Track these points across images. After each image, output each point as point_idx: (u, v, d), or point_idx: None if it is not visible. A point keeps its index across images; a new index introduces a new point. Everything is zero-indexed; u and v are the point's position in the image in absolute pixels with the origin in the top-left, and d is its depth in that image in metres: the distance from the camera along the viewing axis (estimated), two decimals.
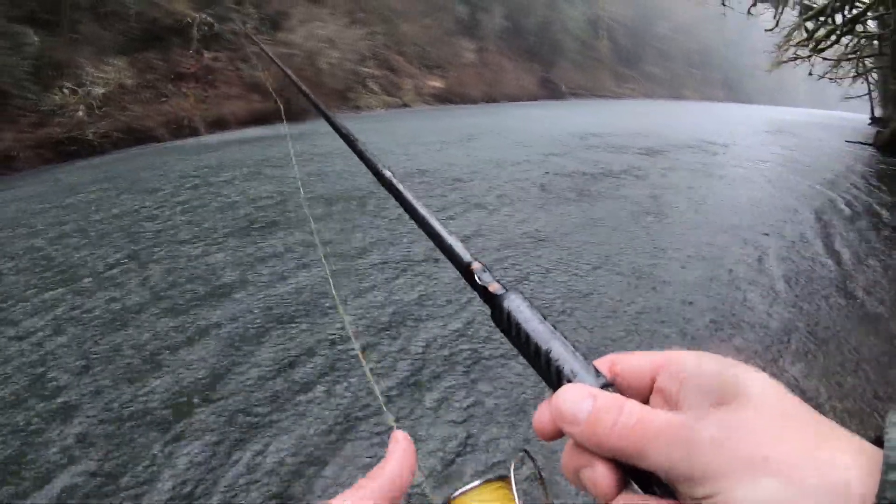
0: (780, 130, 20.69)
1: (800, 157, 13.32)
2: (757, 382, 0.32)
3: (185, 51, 20.10)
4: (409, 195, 0.58)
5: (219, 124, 18.25)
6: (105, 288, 5.23)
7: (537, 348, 0.39)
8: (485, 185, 9.25)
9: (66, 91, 15.70)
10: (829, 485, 0.27)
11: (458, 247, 0.49)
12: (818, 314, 4.76)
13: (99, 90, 16.53)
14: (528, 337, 0.40)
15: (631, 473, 0.34)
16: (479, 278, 0.46)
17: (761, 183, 9.90)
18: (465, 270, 0.47)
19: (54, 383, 3.69)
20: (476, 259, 0.48)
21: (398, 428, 0.39)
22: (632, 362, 0.39)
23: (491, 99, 30.68)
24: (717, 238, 6.70)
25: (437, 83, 28.42)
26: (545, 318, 0.41)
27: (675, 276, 5.56)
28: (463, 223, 7.12)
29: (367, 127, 17.41)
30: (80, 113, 15.34)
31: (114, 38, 18.64)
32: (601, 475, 0.34)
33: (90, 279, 5.44)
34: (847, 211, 8.07)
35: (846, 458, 0.28)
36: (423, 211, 0.54)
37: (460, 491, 0.42)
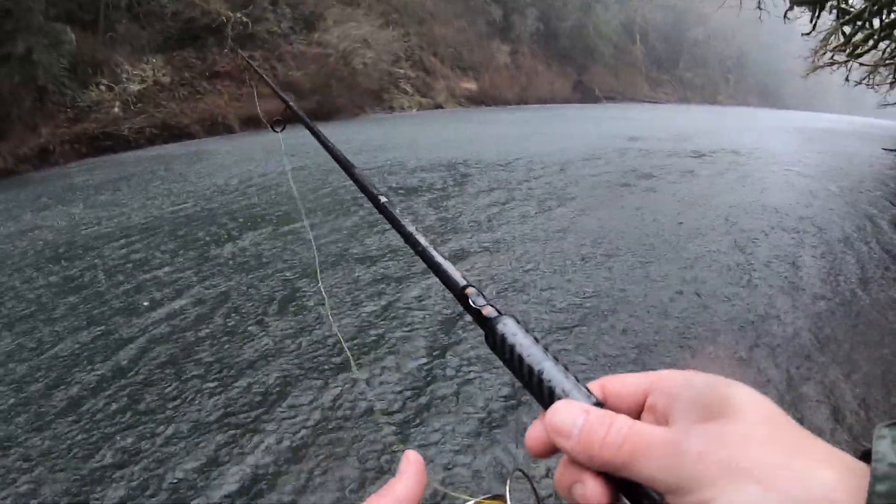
0: (815, 137, 20.13)
1: (835, 165, 12.80)
2: (744, 397, 0.33)
3: (220, 49, 20.14)
4: (404, 220, 0.58)
5: (252, 122, 18.19)
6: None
7: (530, 370, 0.40)
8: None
9: (102, 88, 15.76)
10: (812, 496, 0.28)
11: (453, 271, 0.50)
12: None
13: (135, 87, 16.59)
14: (521, 359, 0.41)
15: (622, 489, 0.35)
16: (473, 302, 0.46)
17: (798, 189, 9.42)
18: (460, 294, 0.48)
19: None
20: (470, 283, 0.48)
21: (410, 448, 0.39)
22: (623, 383, 0.40)
23: (523, 101, 30.32)
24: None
25: (470, 85, 28.14)
26: (538, 341, 0.42)
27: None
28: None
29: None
30: (116, 109, 15.40)
31: (151, 36, 18.77)
32: (592, 490, 0.35)
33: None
34: (875, 218, 7.63)
35: (830, 470, 0.29)
36: (418, 236, 0.55)
37: None
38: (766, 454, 0.30)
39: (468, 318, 0.46)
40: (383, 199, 0.64)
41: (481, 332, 0.45)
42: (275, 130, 1.24)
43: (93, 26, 17.33)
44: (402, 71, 25.21)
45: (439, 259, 0.52)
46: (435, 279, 0.51)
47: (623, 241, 6.34)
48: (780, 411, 0.32)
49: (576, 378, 0.39)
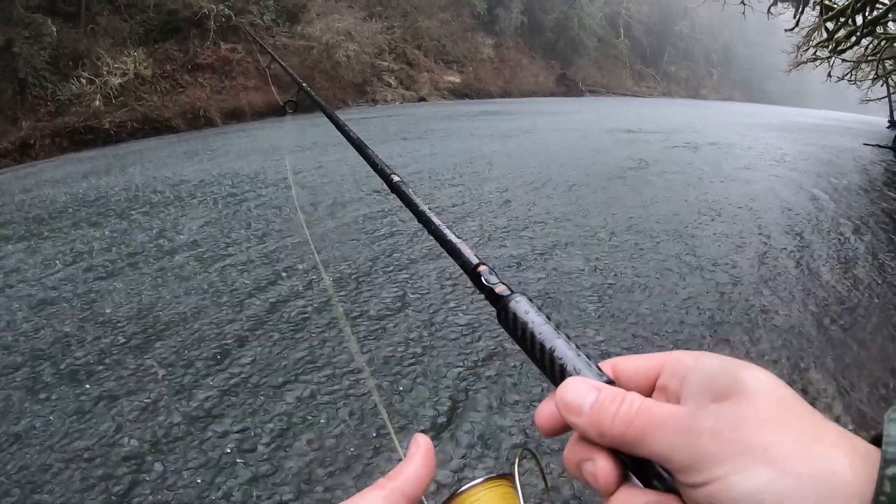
0: (798, 132, 20.38)
1: (821, 158, 13.08)
2: (756, 378, 0.32)
3: (202, 42, 20.10)
4: (417, 199, 0.59)
5: (235, 115, 18.23)
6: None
7: (542, 347, 0.40)
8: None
9: (83, 81, 15.71)
10: (823, 477, 0.28)
11: (466, 250, 0.51)
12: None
13: (116, 80, 16.54)
14: (532, 336, 0.41)
15: (631, 468, 0.35)
16: (485, 280, 0.47)
17: (780, 182, 9.66)
18: (472, 272, 0.48)
19: None
20: (482, 262, 0.48)
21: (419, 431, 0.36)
22: (634, 364, 0.40)
23: (507, 95, 30.48)
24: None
25: (453, 78, 28.23)
26: (549, 319, 0.42)
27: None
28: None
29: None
30: (97, 102, 15.37)
31: (132, 29, 18.71)
32: (602, 468, 0.35)
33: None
34: (858, 210, 7.91)
35: (841, 452, 0.28)
36: (431, 215, 0.56)
37: (463, 488, 0.42)
38: (778, 435, 0.30)
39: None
40: (396, 178, 0.65)
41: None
42: (287, 111, 1.26)
43: (74, 18, 17.27)
44: (385, 64, 25.27)
45: (452, 237, 0.53)
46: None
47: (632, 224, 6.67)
48: (793, 393, 0.33)
49: (587, 357, 0.40)
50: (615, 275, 5.13)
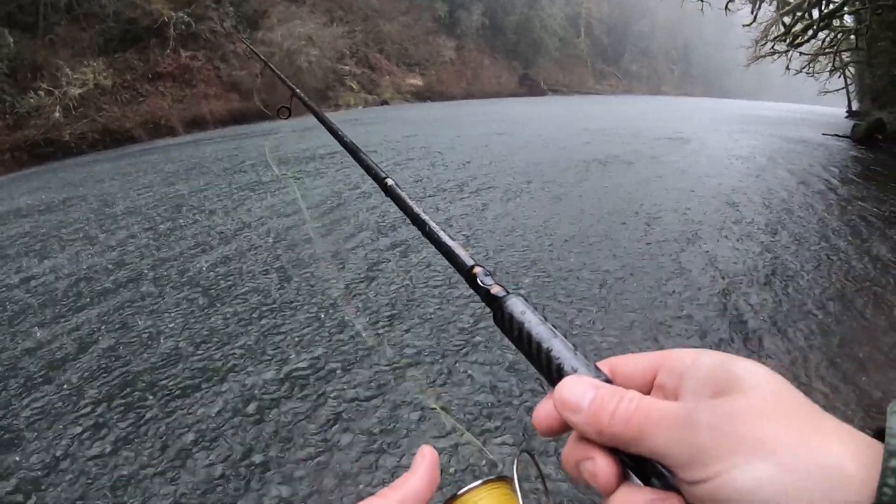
0: (757, 124, 20.63)
1: (779, 149, 13.30)
2: (753, 373, 0.33)
3: (162, 50, 20.21)
4: (410, 202, 0.60)
5: (197, 124, 18.41)
6: None
7: (539, 347, 0.41)
8: None
9: (42, 93, 15.80)
10: (824, 470, 0.28)
11: (461, 252, 0.51)
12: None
13: (76, 91, 16.64)
14: (529, 336, 0.42)
15: (631, 466, 0.36)
16: (481, 281, 0.47)
17: (740, 173, 10.00)
18: (468, 274, 0.49)
19: None
20: (478, 263, 0.49)
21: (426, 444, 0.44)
22: (631, 363, 0.41)
23: (470, 96, 30.99)
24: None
25: (415, 81, 28.70)
26: (546, 320, 0.43)
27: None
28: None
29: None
30: (57, 114, 15.47)
31: (91, 38, 18.74)
32: (601, 467, 0.35)
33: None
34: (821, 198, 8.10)
35: (843, 446, 0.28)
36: (425, 217, 0.56)
37: (462, 491, 0.42)
38: (779, 429, 0.29)
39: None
40: (390, 181, 0.65)
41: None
42: (280, 117, 1.29)
43: (32, 29, 17.28)
44: (347, 68, 25.62)
45: (446, 239, 0.53)
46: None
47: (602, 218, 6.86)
48: (792, 387, 0.32)
49: (585, 357, 0.40)
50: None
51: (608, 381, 0.38)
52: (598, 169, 10.10)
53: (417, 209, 0.58)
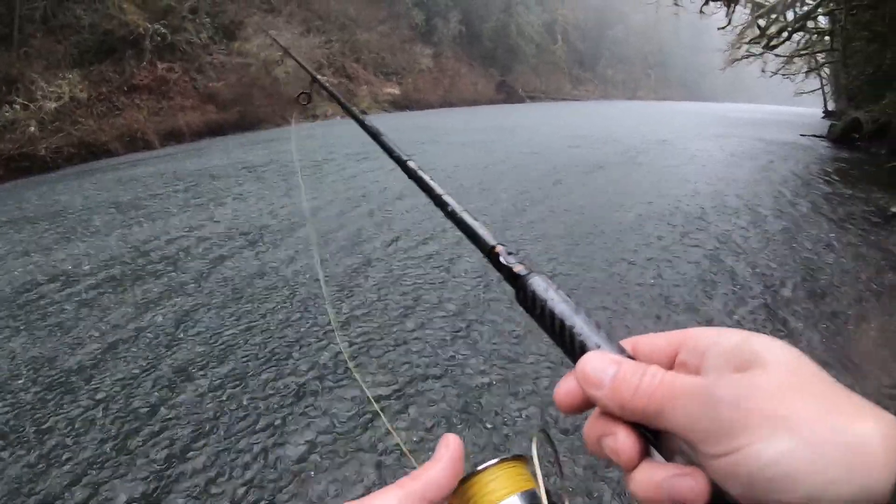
0: (736, 126, 20.87)
1: (759, 151, 13.53)
2: (776, 350, 0.33)
3: (138, 62, 20.23)
4: (433, 183, 0.60)
5: (174, 136, 18.49)
6: None
7: (562, 324, 0.41)
8: None
9: (17, 107, 15.80)
10: (847, 444, 0.28)
11: (483, 231, 0.51)
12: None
13: (51, 104, 16.65)
14: (552, 314, 0.42)
15: (653, 442, 0.36)
16: (504, 260, 0.47)
17: (718, 174, 10.22)
18: (490, 253, 0.49)
19: None
20: (500, 243, 0.49)
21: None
22: (654, 341, 0.41)
23: (447, 104, 31.29)
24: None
25: (393, 90, 28.94)
26: (569, 297, 0.43)
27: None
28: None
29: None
30: (32, 128, 15.46)
31: (66, 50, 18.73)
32: (623, 442, 0.36)
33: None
34: (800, 199, 8.23)
35: (864, 422, 0.29)
36: (447, 198, 0.56)
37: (479, 468, 0.41)
38: (801, 404, 0.29)
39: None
40: (412, 163, 0.65)
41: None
42: (301, 103, 1.28)
43: (6, 41, 17.24)
44: (324, 78, 25.57)
45: (468, 219, 0.53)
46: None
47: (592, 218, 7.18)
48: (813, 363, 0.32)
49: (607, 334, 0.40)
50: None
51: (630, 357, 0.39)
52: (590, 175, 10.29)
53: (440, 190, 0.59)
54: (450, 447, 0.40)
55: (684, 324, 4.10)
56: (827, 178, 9.98)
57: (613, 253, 5.98)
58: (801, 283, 4.94)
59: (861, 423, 0.29)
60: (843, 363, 3.62)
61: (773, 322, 4.25)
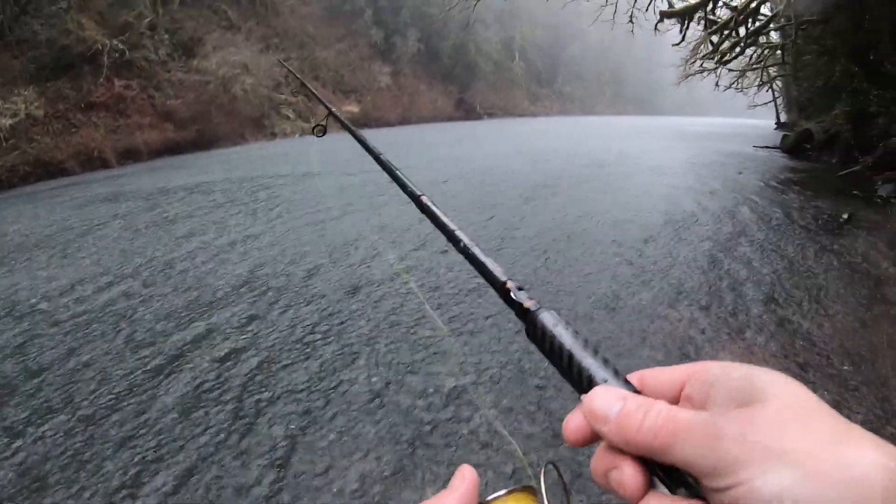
0: (691, 139, 21.32)
1: (712, 162, 13.76)
2: (780, 384, 0.33)
3: (95, 79, 20.28)
4: (445, 218, 0.61)
5: (131, 155, 18.62)
6: None
7: (570, 360, 0.41)
8: None
9: None
10: (850, 478, 0.28)
11: (494, 267, 0.52)
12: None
13: (6, 121, 16.68)
14: (561, 350, 0.42)
15: (658, 475, 0.36)
16: (514, 296, 0.48)
17: (674, 187, 10.42)
18: (501, 288, 0.49)
19: None
20: (511, 278, 0.50)
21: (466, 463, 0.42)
22: (659, 375, 0.41)
23: (406, 121, 31.97)
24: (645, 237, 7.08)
25: (352, 108, 29.51)
26: (578, 334, 0.43)
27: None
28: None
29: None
30: None
31: (23, 66, 18.70)
32: (629, 475, 0.36)
33: None
34: (756, 208, 8.40)
35: (868, 455, 0.29)
36: (459, 233, 0.58)
37: (487, 499, 0.41)
38: (805, 438, 0.29)
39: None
40: (425, 198, 0.66)
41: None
42: (316, 136, 1.28)
43: None
44: (283, 96, 26.19)
45: (480, 255, 0.53)
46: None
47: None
48: (815, 397, 0.33)
49: (615, 369, 0.40)
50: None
51: (636, 392, 0.39)
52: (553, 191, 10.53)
53: (452, 226, 0.59)
54: (465, 478, 0.41)
55: (638, 331, 4.27)
56: (782, 186, 10.23)
57: (578, 261, 6.08)
58: (757, 288, 5.05)
59: (864, 456, 0.29)
60: (800, 365, 3.68)
61: (728, 326, 4.21)
